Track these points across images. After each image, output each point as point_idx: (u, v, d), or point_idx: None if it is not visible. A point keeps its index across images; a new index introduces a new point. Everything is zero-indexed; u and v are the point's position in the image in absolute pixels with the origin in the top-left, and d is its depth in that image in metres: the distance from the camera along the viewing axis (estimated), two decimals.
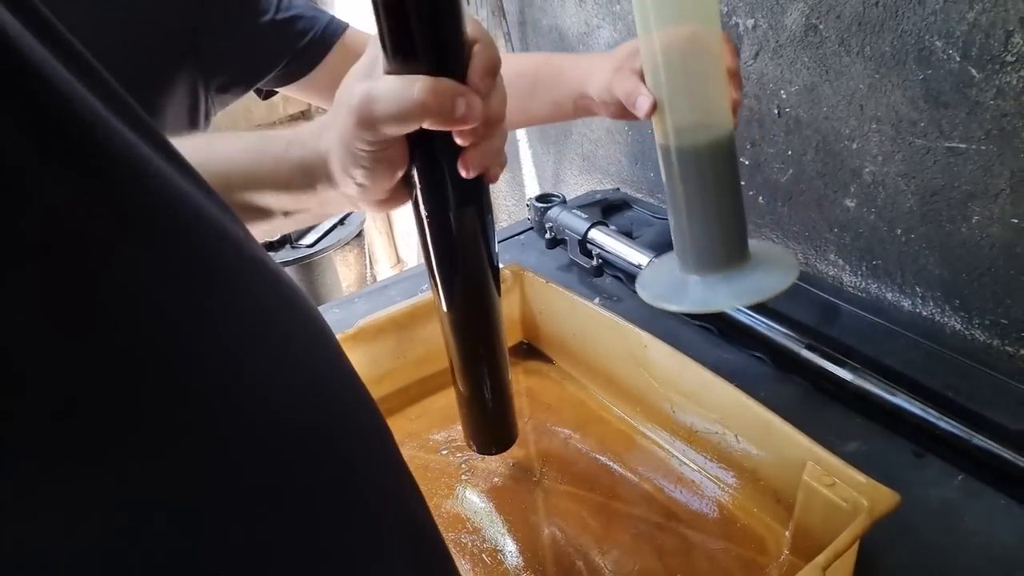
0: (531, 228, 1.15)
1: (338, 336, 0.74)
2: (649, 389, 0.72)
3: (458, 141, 0.41)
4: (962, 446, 0.65)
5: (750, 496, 0.64)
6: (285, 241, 1.14)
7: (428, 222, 0.47)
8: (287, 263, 1.13)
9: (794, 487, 0.57)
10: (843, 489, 0.54)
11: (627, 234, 1.04)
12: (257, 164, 0.47)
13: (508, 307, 0.86)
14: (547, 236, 1.07)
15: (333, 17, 0.81)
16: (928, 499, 0.63)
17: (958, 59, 0.70)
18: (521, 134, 1.50)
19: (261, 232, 0.51)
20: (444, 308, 0.52)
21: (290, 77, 0.80)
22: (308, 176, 0.46)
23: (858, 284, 0.91)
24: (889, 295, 0.88)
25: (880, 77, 0.78)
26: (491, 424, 0.62)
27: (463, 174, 0.42)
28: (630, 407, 0.75)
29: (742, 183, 0.98)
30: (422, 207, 0.46)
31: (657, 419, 0.73)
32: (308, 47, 0.78)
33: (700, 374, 0.67)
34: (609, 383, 0.78)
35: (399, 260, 2.48)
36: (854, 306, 0.87)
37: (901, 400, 0.69)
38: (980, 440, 0.64)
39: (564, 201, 1.12)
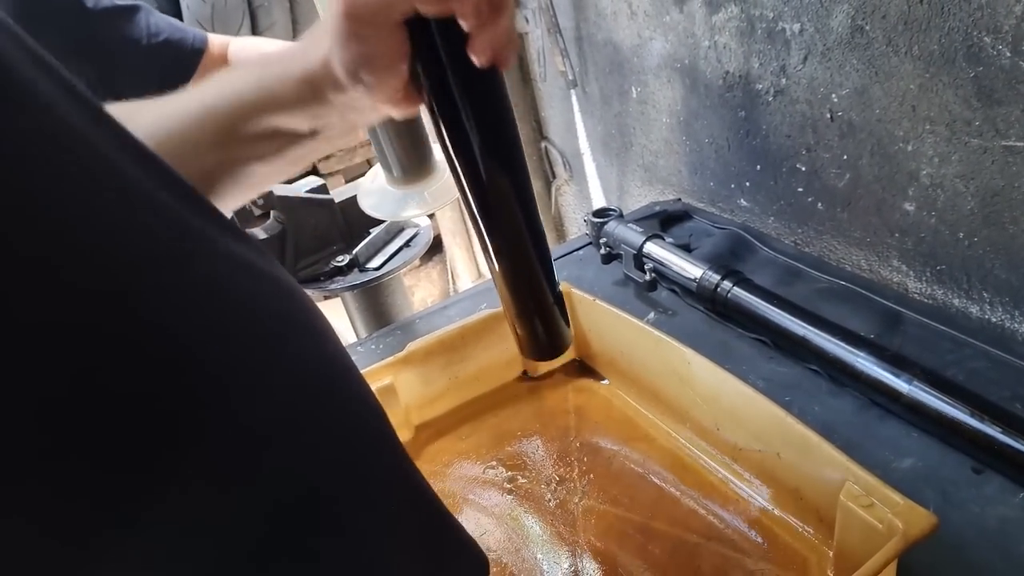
0: (590, 243, 1.16)
1: (389, 360, 0.79)
2: (693, 406, 0.72)
3: (462, 24, 0.37)
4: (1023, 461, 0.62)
5: (793, 515, 0.63)
6: (354, 265, 1.20)
7: (442, 120, 0.42)
8: (355, 287, 1.19)
9: (835, 506, 0.56)
10: (880, 510, 0.53)
11: (684, 246, 1.03)
12: (263, 89, 0.45)
13: None
14: (602, 251, 1.08)
15: (195, 32, 0.97)
16: (985, 518, 0.60)
17: (1008, 54, 0.67)
18: (584, 147, 1.51)
19: (300, 160, 0.49)
20: (476, 214, 0.47)
21: (171, 91, 0.95)
22: (315, 87, 0.43)
23: (923, 290, 0.87)
24: (956, 301, 0.84)
25: (930, 76, 0.75)
26: (539, 329, 0.56)
27: (475, 62, 0.38)
28: (676, 424, 0.76)
29: (800, 189, 0.96)
30: (433, 103, 0.42)
31: (702, 436, 0.72)
32: (179, 64, 0.95)
33: (741, 390, 0.66)
34: (656, 400, 0.78)
35: (480, 275, 2.53)
36: (920, 314, 0.84)
37: (958, 412, 0.66)
38: None
39: (621, 215, 1.12)
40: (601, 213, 1.13)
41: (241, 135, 0.45)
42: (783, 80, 0.92)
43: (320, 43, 0.41)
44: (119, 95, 0.99)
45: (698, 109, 1.11)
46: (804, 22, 0.86)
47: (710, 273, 0.92)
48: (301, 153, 0.48)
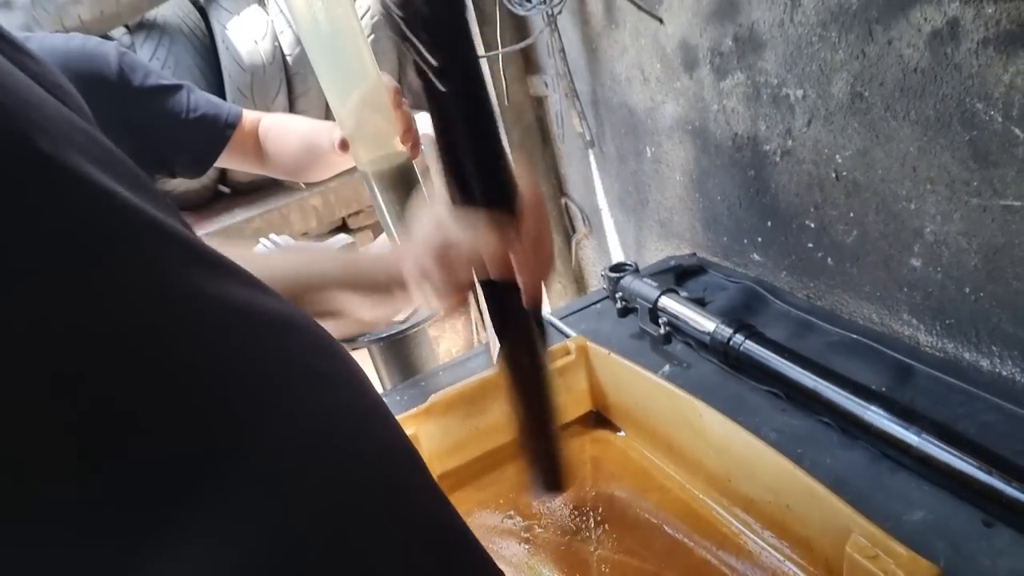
0: (607, 297, 1.19)
1: (412, 411, 0.82)
2: (706, 457, 0.74)
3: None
4: None
5: (803, 566, 0.65)
6: None
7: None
8: (381, 339, 1.23)
9: (843, 557, 0.58)
10: (884, 562, 0.54)
11: (699, 300, 1.06)
12: (347, 275, 0.61)
13: (575, 378, 0.91)
14: (618, 305, 1.11)
15: (230, 107, 1.06)
16: (996, 571, 0.61)
17: (1000, 120, 0.70)
18: (603, 203, 1.56)
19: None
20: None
21: (205, 162, 1.07)
22: (386, 288, 0.60)
23: (934, 344, 0.89)
24: (967, 355, 0.85)
25: (928, 140, 0.78)
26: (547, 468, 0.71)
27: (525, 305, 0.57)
28: (689, 475, 0.77)
29: (810, 245, 0.99)
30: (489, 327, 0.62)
31: (714, 487, 0.74)
32: (214, 136, 1.04)
33: (751, 442, 0.69)
34: (669, 451, 0.80)
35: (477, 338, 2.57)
36: (931, 367, 0.85)
37: (967, 465, 0.68)
38: None
39: (637, 269, 1.16)
40: (617, 268, 1.17)
41: (306, 301, 0.59)
42: (789, 142, 0.96)
43: (402, 264, 0.58)
44: (158, 164, 1.08)
45: (710, 168, 1.15)
46: (807, 88, 0.90)
47: (723, 327, 0.94)
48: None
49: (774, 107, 0.97)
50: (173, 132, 1.03)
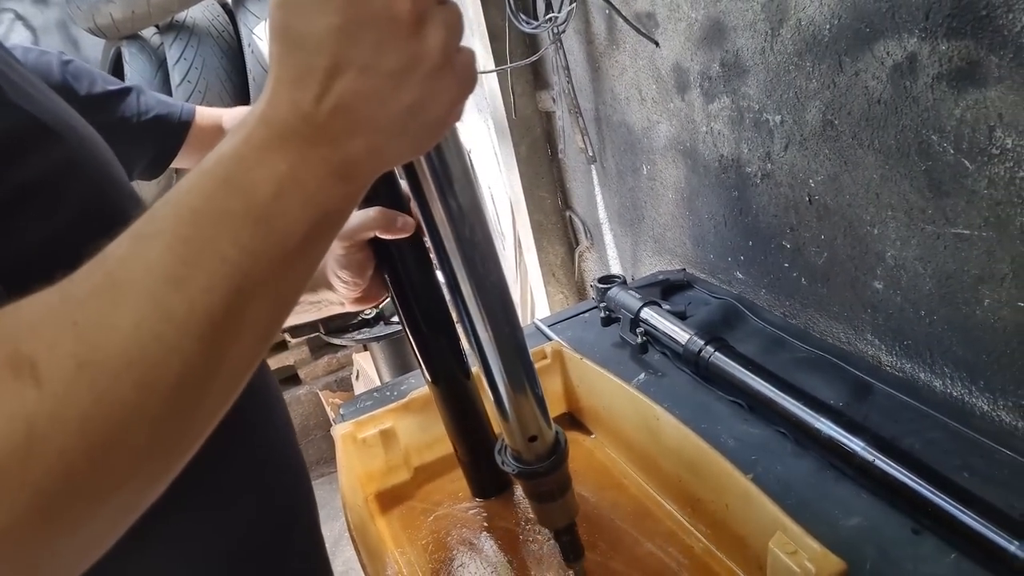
0: (596, 307, 1.24)
1: (391, 406, 0.87)
2: (660, 458, 0.79)
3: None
4: (956, 525, 0.66)
5: (739, 563, 0.69)
6: (379, 319, 1.30)
7: (399, 304, 0.67)
8: (380, 338, 1.29)
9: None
10: (800, 556, 0.58)
11: (680, 314, 1.11)
12: None
13: (551, 381, 0.96)
14: (602, 315, 1.16)
15: (183, 106, 1.08)
16: (918, 575, 0.65)
17: (952, 151, 0.74)
18: (603, 217, 1.61)
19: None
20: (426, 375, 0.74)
21: (162, 163, 1.08)
22: (313, 284, 0.66)
23: (894, 363, 0.93)
24: (922, 375, 0.89)
25: (889, 168, 0.82)
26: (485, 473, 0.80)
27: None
28: (645, 475, 0.82)
29: (786, 265, 1.03)
30: (391, 290, 0.68)
31: (666, 486, 0.79)
32: (169, 136, 1.06)
33: (699, 445, 0.73)
34: (631, 452, 0.84)
35: None
36: (890, 385, 0.89)
37: (901, 475, 0.71)
38: (972, 519, 0.65)
39: (625, 282, 1.20)
40: (606, 280, 1.22)
41: None
42: (768, 165, 1.01)
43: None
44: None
45: (699, 187, 1.20)
46: (784, 114, 0.95)
47: (695, 339, 0.99)
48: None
49: (755, 131, 1.01)
50: (127, 135, 1.04)
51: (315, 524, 0.72)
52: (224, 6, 2.31)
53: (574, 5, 1.26)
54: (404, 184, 0.66)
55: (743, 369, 0.91)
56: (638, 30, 1.17)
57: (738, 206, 1.11)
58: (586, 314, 1.25)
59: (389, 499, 0.88)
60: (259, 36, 2.13)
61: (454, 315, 0.58)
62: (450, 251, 0.50)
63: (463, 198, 0.47)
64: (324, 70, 0.33)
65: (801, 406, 0.84)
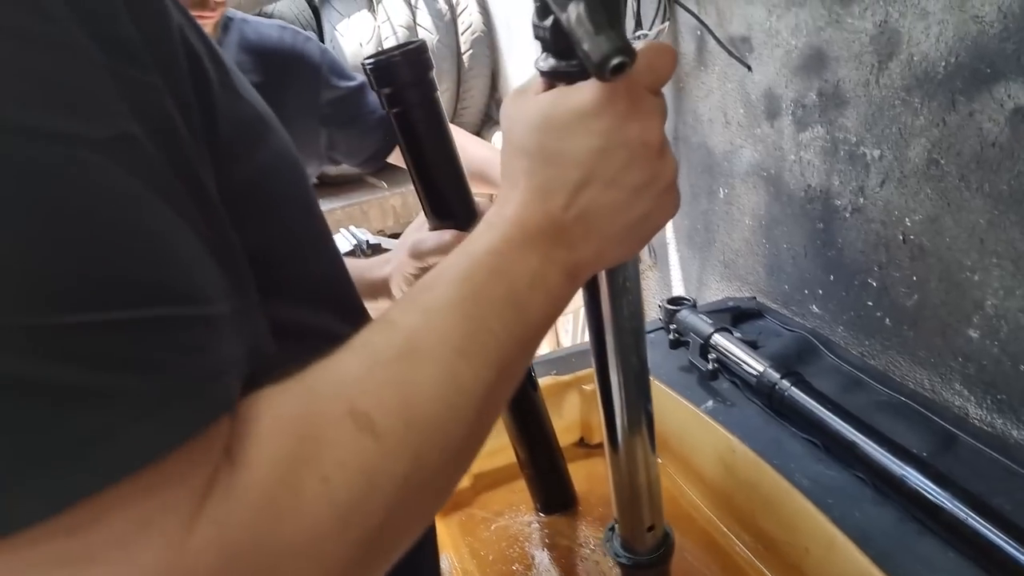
0: (662, 328, 1.22)
1: None
2: (734, 492, 0.77)
3: None
4: None
5: None
6: None
7: None
8: None
9: None
10: None
11: (751, 343, 1.08)
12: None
13: None
14: (671, 337, 1.14)
15: None
16: None
17: None
18: (670, 236, 1.59)
19: None
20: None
21: (381, 158, 1.15)
22: (375, 292, 0.71)
23: (983, 417, 0.89)
24: (1015, 432, 0.85)
25: (999, 214, 0.79)
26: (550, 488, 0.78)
27: None
28: (716, 508, 0.80)
29: (870, 303, 1.00)
30: None
31: (739, 522, 0.76)
32: (391, 134, 1.10)
33: (779, 483, 0.71)
34: (700, 482, 0.82)
35: (558, 344, 2.61)
36: (977, 439, 0.85)
37: (995, 537, 0.68)
38: None
39: (694, 305, 1.18)
40: (675, 301, 1.19)
41: None
42: (861, 199, 0.98)
43: (386, 267, 0.72)
44: (333, 155, 1.17)
45: (779, 216, 1.17)
46: (884, 149, 0.92)
47: (771, 370, 0.96)
48: None
49: (850, 164, 0.98)
50: (360, 129, 1.13)
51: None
52: (309, 2, 2.34)
53: (667, 24, 1.25)
54: (479, 203, 0.67)
55: (821, 407, 0.88)
56: (731, 53, 1.15)
57: (821, 238, 1.08)
58: (652, 334, 1.22)
59: (448, 505, 0.88)
60: (340, 32, 2.16)
61: (599, 399, 0.57)
62: (608, 340, 0.50)
63: (630, 298, 0.48)
64: (576, 183, 0.38)
65: (884, 452, 0.80)
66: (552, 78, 0.39)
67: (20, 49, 0.24)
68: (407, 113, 0.59)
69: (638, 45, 0.39)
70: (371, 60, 0.57)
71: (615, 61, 0.34)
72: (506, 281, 0.37)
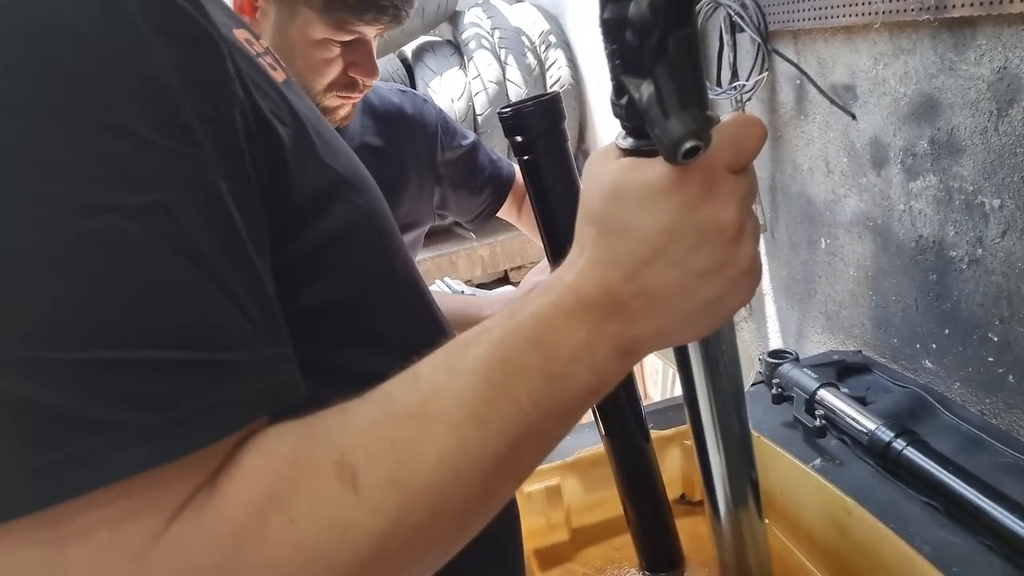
0: (762, 381, 1.19)
1: (556, 462, 0.86)
2: (849, 556, 0.73)
3: None
4: None
5: None
6: None
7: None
8: None
9: None
10: None
11: (860, 399, 1.04)
12: (459, 314, 0.70)
13: None
14: (774, 391, 1.11)
15: (508, 165, 1.19)
16: None
17: None
18: (767, 287, 1.55)
19: None
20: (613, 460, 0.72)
21: (487, 216, 1.21)
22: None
23: None
24: None
25: None
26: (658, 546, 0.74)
27: None
28: (830, 572, 0.76)
29: (991, 359, 0.95)
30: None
31: None
32: (498, 195, 1.19)
33: (903, 550, 0.67)
34: (812, 544, 0.79)
35: (647, 395, 2.56)
36: None
37: None
38: None
39: (797, 359, 1.14)
40: (777, 354, 1.16)
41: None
42: (979, 250, 0.94)
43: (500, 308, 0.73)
44: (444, 212, 1.24)
45: (888, 267, 1.13)
46: (1004, 199, 0.88)
47: (884, 428, 0.92)
48: None
49: (966, 214, 0.94)
50: (468, 189, 1.19)
51: None
52: (403, 60, 2.45)
53: (765, 75, 1.24)
54: None
55: (942, 468, 0.84)
56: (834, 102, 1.13)
57: (935, 290, 1.04)
58: (752, 388, 1.19)
59: (548, 558, 0.87)
60: (433, 89, 2.25)
61: (698, 465, 0.55)
62: (703, 405, 0.49)
63: (727, 359, 0.47)
64: (640, 258, 0.36)
65: (1015, 519, 0.75)
66: (632, 156, 0.38)
67: (73, 133, 0.29)
68: (536, 161, 0.60)
69: (726, 113, 0.38)
70: (506, 110, 0.59)
71: (686, 146, 0.33)
72: (544, 350, 0.36)
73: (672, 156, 0.34)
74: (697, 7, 0.52)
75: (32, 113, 0.29)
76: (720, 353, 0.46)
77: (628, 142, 0.38)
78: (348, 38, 0.92)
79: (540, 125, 0.59)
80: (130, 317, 0.30)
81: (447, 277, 1.50)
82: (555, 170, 0.60)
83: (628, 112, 0.37)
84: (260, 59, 0.44)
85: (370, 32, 0.94)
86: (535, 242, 1.33)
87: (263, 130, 0.39)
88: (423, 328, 0.55)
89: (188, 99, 0.33)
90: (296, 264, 0.42)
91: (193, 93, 0.33)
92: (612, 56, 0.36)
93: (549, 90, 2.33)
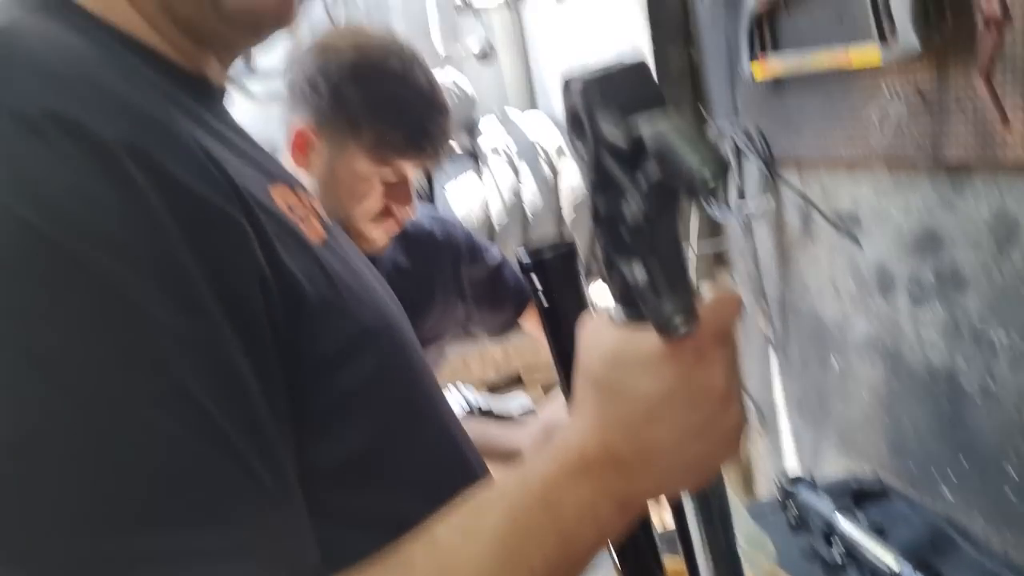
0: (780, 507, 1.17)
1: None
2: None
3: None
4: None
5: None
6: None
7: None
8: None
9: None
10: None
11: (878, 529, 1.02)
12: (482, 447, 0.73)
13: None
14: (791, 521, 1.09)
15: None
16: None
17: None
18: (780, 404, 1.55)
19: None
20: None
21: (508, 328, 1.26)
22: (508, 461, 0.76)
23: None
24: None
25: None
26: None
27: None
28: None
29: (1010, 495, 0.93)
30: None
31: None
32: (518, 307, 1.24)
33: None
34: None
35: (663, 525, 2.50)
36: None
37: None
38: None
39: (813, 484, 1.13)
40: (793, 481, 1.15)
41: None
42: (991, 383, 0.94)
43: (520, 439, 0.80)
44: (468, 324, 1.29)
45: (900, 392, 1.13)
46: (1012, 333, 0.89)
47: (910, 569, 0.90)
48: None
49: (975, 346, 0.95)
50: (491, 304, 1.24)
51: None
52: None
53: (768, 197, 1.28)
54: None
55: None
56: (839, 229, 1.16)
57: (949, 419, 1.03)
58: (768, 512, 1.17)
59: None
60: (448, 192, 2.32)
61: None
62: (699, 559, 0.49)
63: (720, 530, 0.47)
64: (640, 421, 0.39)
65: None
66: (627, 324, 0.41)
67: (88, 323, 0.34)
68: (555, 311, 0.61)
69: (707, 293, 0.42)
70: (528, 258, 0.61)
71: (676, 323, 0.36)
72: (554, 512, 0.39)
73: (664, 332, 0.37)
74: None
75: (49, 309, 0.33)
76: (713, 499, 0.47)
77: (621, 316, 0.41)
78: (390, 173, 0.99)
79: (558, 279, 0.61)
80: (144, 502, 0.33)
81: (459, 382, 1.51)
82: (572, 313, 0.62)
83: (619, 288, 0.40)
84: (296, 221, 0.47)
85: (410, 169, 1.00)
86: None
87: (288, 290, 0.42)
88: (447, 466, 0.56)
89: (204, 279, 0.36)
90: (320, 414, 0.44)
91: (209, 273, 0.37)
92: (604, 243, 0.39)
93: (562, 201, 2.39)
